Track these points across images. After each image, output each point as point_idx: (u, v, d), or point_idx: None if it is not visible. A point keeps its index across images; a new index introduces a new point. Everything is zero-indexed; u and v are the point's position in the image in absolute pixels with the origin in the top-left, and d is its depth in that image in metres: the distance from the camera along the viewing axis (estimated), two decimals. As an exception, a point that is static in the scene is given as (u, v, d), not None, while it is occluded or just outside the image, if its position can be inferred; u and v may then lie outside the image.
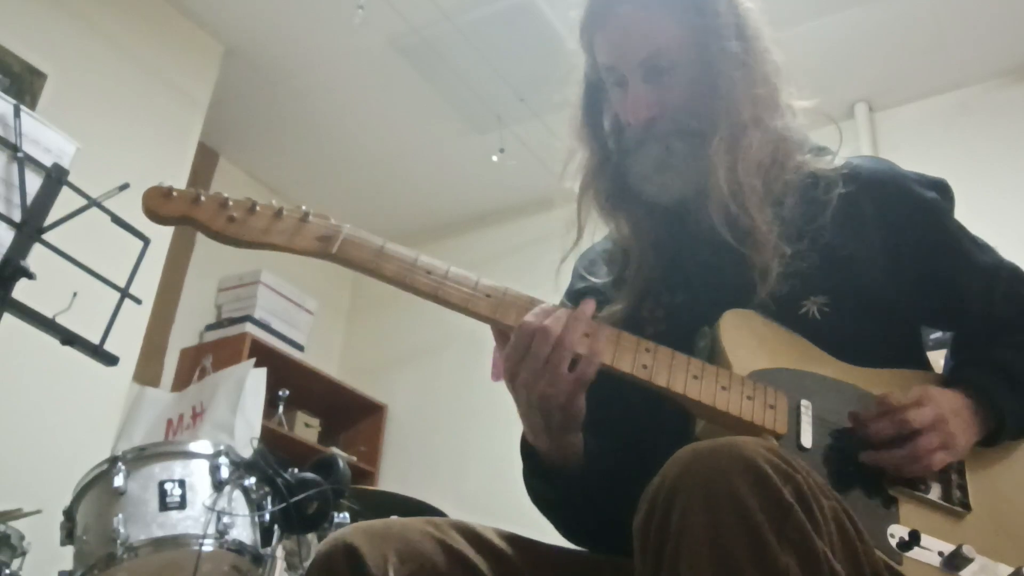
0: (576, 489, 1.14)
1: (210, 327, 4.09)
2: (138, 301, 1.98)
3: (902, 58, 3.62)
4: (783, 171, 1.21)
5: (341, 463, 2.17)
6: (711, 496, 0.80)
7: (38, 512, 2.11)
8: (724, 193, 1.15)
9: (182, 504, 1.90)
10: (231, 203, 1.03)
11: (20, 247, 1.74)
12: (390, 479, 4.17)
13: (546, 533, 1.21)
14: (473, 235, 4.60)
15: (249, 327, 3.96)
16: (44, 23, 3.12)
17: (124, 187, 1.88)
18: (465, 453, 4.07)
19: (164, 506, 1.89)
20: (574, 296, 1.33)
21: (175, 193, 1.03)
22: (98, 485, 1.95)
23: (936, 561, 1.02)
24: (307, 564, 2.11)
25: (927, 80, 3.71)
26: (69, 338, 1.82)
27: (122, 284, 1.94)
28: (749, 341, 1.12)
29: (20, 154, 1.79)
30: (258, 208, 1.04)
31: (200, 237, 1.05)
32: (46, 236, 1.79)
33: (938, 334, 1.70)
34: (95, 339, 1.87)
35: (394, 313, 4.35)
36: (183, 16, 3.61)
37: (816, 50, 3.45)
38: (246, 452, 2.07)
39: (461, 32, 3.54)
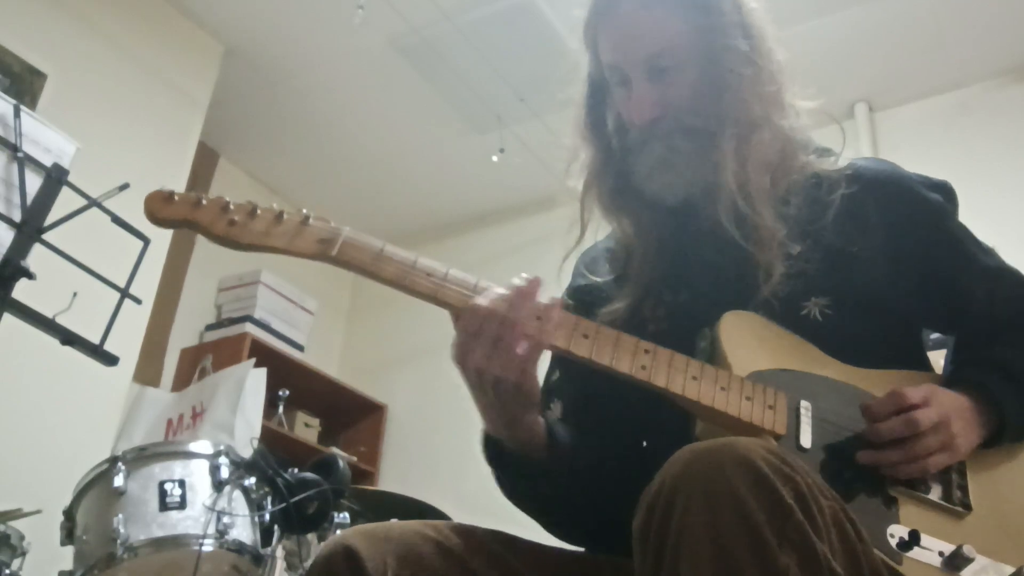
0: (547, 477, 1.13)
1: (210, 327, 4.09)
2: (138, 301, 1.98)
3: (902, 58, 3.62)
4: (789, 171, 1.22)
5: (341, 463, 2.17)
6: (711, 496, 0.80)
7: (38, 512, 2.11)
8: (733, 190, 1.15)
9: (182, 504, 1.90)
10: (232, 207, 1.04)
11: (20, 247, 1.74)
12: (390, 479, 4.17)
13: (545, 535, 1.21)
14: (473, 235, 4.60)
15: (249, 327, 3.96)
16: (44, 23, 3.12)
17: (124, 187, 1.88)
18: (465, 453, 4.03)
19: (164, 506, 1.89)
20: (574, 293, 1.33)
21: (177, 197, 1.04)
22: (98, 485, 1.95)
23: (936, 561, 1.02)
24: (307, 564, 2.12)
25: (927, 80, 3.71)
26: (69, 338, 1.82)
27: (122, 284, 1.94)
28: (749, 342, 1.12)
29: (20, 154, 1.79)
30: (259, 212, 1.04)
31: (200, 237, 1.05)
32: (46, 236, 1.79)
33: (938, 334, 1.70)
34: (95, 339, 1.87)
35: (394, 313, 4.35)
36: (183, 16, 3.61)
37: (816, 50, 3.45)
38: (246, 452, 2.07)
39: (461, 32, 3.54)
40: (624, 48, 1.21)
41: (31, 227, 1.77)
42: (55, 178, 1.84)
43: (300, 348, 4.21)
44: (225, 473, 1.97)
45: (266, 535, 2.01)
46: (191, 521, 1.89)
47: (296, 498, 1.99)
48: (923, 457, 1.05)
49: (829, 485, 0.89)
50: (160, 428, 3.30)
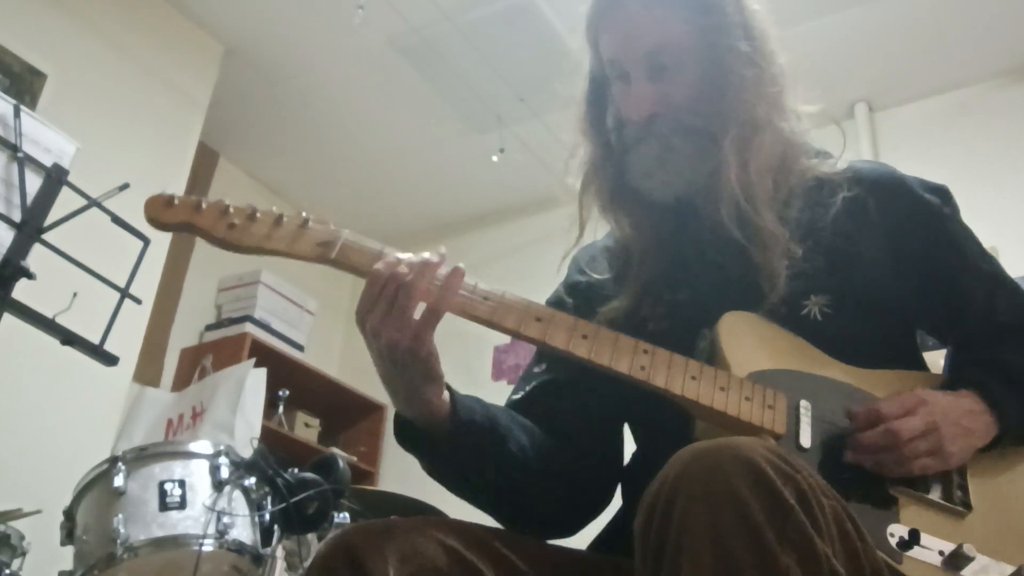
0: (451, 454, 1.11)
1: (210, 327, 4.09)
2: (138, 301, 1.98)
3: (902, 58, 3.62)
4: (790, 174, 1.22)
5: (341, 463, 2.16)
6: (712, 496, 0.80)
7: (38, 512, 2.11)
8: (736, 191, 1.15)
9: (182, 504, 1.90)
10: (232, 210, 1.04)
11: (20, 247, 1.74)
12: (390, 479, 4.17)
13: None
14: (473, 235, 4.60)
15: (249, 327, 3.96)
16: (44, 23, 3.13)
17: (124, 187, 1.88)
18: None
19: (164, 506, 1.89)
20: (572, 290, 1.33)
21: (177, 201, 1.04)
22: (98, 485, 1.95)
23: (936, 560, 1.02)
24: (307, 564, 2.12)
25: (927, 80, 3.71)
26: (69, 338, 1.83)
27: (122, 284, 1.94)
28: (748, 342, 1.12)
29: (20, 154, 1.79)
30: (259, 215, 1.04)
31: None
32: (46, 236, 1.80)
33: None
34: (95, 339, 1.87)
35: (394, 313, 4.35)
36: (183, 16, 3.61)
37: (816, 50, 3.45)
38: (246, 452, 2.07)
39: (461, 32, 3.54)
40: (625, 44, 1.21)
41: (31, 227, 1.77)
42: (55, 178, 1.84)
43: (300, 348, 4.21)
44: (225, 473, 1.97)
45: (266, 535, 2.01)
46: (191, 521, 1.89)
47: (296, 498, 1.99)
48: (908, 461, 1.05)
49: (829, 484, 0.89)
50: (160, 428, 3.30)
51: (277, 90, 3.95)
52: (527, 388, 1.28)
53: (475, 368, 4.06)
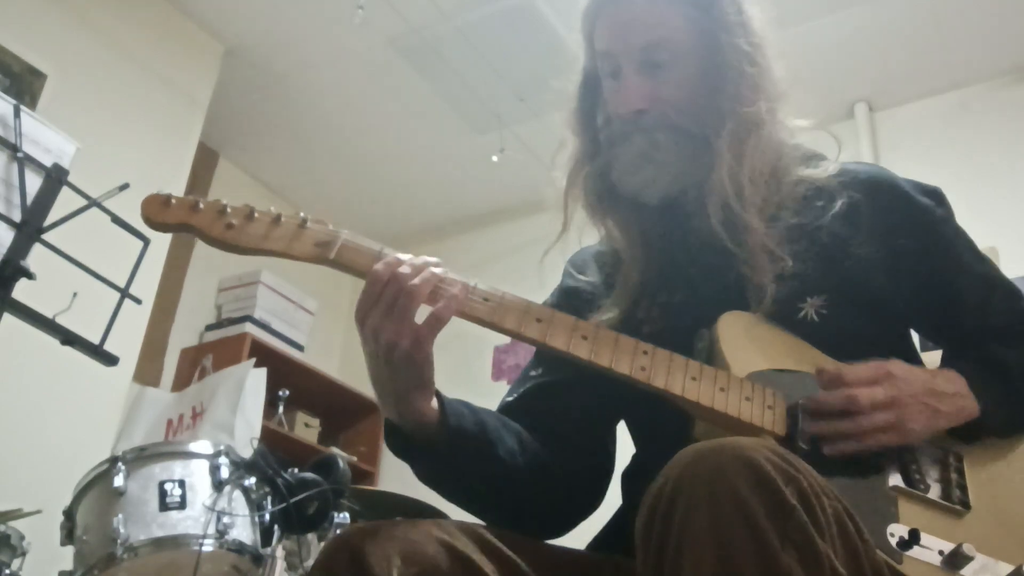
0: (441, 461, 1.11)
1: (210, 327, 4.09)
2: (138, 301, 1.98)
3: (902, 58, 3.62)
4: (782, 184, 1.21)
5: (341, 463, 2.16)
6: (713, 496, 0.80)
7: (38, 512, 2.11)
8: (727, 188, 1.15)
9: (182, 504, 1.90)
10: (229, 210, 1.03)
11: (20, 247, 1.74)
12: (390, 479, 4.17)
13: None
14: (473, 235, 4.59)
15: (249, 327, 3.96)
16: (44, 23, 3.13)
17: (124, 187, 1.88)
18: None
19: (164, 506, 1.89)
20: (564, 295, 1.33)
21: (174, 201, 1.03)
22: (98, 485, 1.95)
23: (936, 560, 1.02)
24: (307, 564, 2.12)
25: (927, 80, 3.71)
26: (69, 338, 1.82)
27: (122, 284, 1.94)
28: (747, 343, 1.12)
29: (20, 154, 1.79)
30: (256, 215, 1.04)
31: (200, 238, 1.05)
32: (46, 236, 1.79)
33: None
34: (95, 339, 1.87)
35: (394, 313, 4.34)
36: (183, 16, 3.61)
37: (816, 50, 3.45)
38: (246, 452, 2.07)
39: (461, 32, 3.55)
40: (620, 36, 1.20)
41: (31, 227, 1.77)
42: (55, 178, 1.84)
43: (300, 348, 4.21)
44: (225, 473, 1.97)
45: (266, 535, 2.01)
46: (191, 521, 1.89)
47: (296, 498, 1.99)
48: (866, 434, 1.04)
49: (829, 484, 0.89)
50: (160, 428, 3.30)
51: (277, 90, 3.95)
52: (520, 391, 1.27)
53: (475, 368, 4.06)
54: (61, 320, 1.81)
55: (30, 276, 1.73)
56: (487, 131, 3.99)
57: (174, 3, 3.58)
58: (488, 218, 4.58)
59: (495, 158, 3.92)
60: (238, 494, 1.99)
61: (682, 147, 1.18)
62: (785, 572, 0.78)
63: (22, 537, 2.09)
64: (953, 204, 1.27)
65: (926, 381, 1.10)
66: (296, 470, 2.07)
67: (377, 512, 2.45)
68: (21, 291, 1.73)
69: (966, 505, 1.09)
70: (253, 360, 3.44)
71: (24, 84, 2.99)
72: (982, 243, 1.29)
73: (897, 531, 1.02)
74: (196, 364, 3.85)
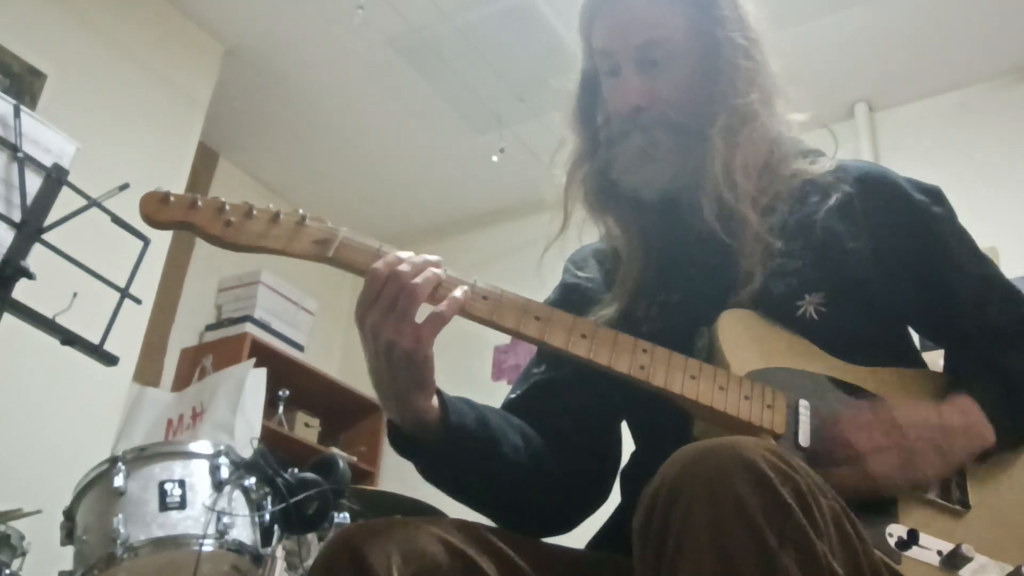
0: (442, 461, 1.10)
1: (210, 327, 4.09)
2: (138, 301, 1.98)
3: (902, 58, 3.62)
4: (776, 177, 1.21)
5: (341, 463, 2.17)
6: (711, 496, 0.80)
7: (38, 512, 2.11)
8: (719, 181, 1.15)
9: (182, 504, 1.90)
10: (228, 207, 1.03)
11: (20, 247, 1.74)
12: (390, 479, 4.17)
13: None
14: (473, 235, 4.59)
15: (249, 327, 3.96)
16: (44, 23, 3.13)
17: (124, 187, 1.88)
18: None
19: (164, 506, 1.89)
20: (565, 289, 1.33)
21: (172, 198, 1.03)
22: (98, 485, 1.95)
23: (935, 560, 1.02)
24: (307, 564, 2.12)
25: (927, 80, 3.71)
26: (69, 338, 1.83)
27: (122, 284, 1.94)
28: (747, 341, 1.12)
29: (20, 154, 1.79)
30: (255, 212, 1.03)
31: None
32: (46, 236, 1.80)
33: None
34: (95, 339, 1.87)
35: (394, 313, 4.34)
36: (183, 16, 3.61)
37: (816, 50, 3.45)
38: (246, 452, 2.08)
39: (461, 32, 3.55)
40: (618, 34, 1.21)
41: (31, 227, 1.77)
42: (55, 178, 1.84)
43: (300, 348, 4.21)
44: (225, 473, 1.97)
45: (266, 535, 2.01)
46: (191, 521, 1.89)
47: (296, 498, 1.99)
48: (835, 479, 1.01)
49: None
50: (160, 428, 3.30)
51: (277, 90, 3.95)
52: (523, 387, 1.28)
53: (475, 368, 4.06)
54: (61, 320, 1.81)
55: (30, 276, 1.73)
56: (487, 131, 3.99)
57: (174, 3, 3.58)
58: (488, 218, 4.58)
59: (495, 158, 3.92)
60: (238, 494, 1.99)
61: (680, 143, 1.19)
62: (783, 572, 0.78)
63: (22, 537, 2.09)
64: (953, 204, 1.26)
65: (932, 423, 1.09)
66: (296, 470, 2.07)
67: (377, 512, 2.45)
68: (21, 291, 1.73)
69: (965, 505, 1.09)
70: (253, 360, 3.44)
71: (24, 84, 2.99)
72: (982, 243, 1.29)
73: (896, 531, 1.02)
74: (196, 364, 3.85)
